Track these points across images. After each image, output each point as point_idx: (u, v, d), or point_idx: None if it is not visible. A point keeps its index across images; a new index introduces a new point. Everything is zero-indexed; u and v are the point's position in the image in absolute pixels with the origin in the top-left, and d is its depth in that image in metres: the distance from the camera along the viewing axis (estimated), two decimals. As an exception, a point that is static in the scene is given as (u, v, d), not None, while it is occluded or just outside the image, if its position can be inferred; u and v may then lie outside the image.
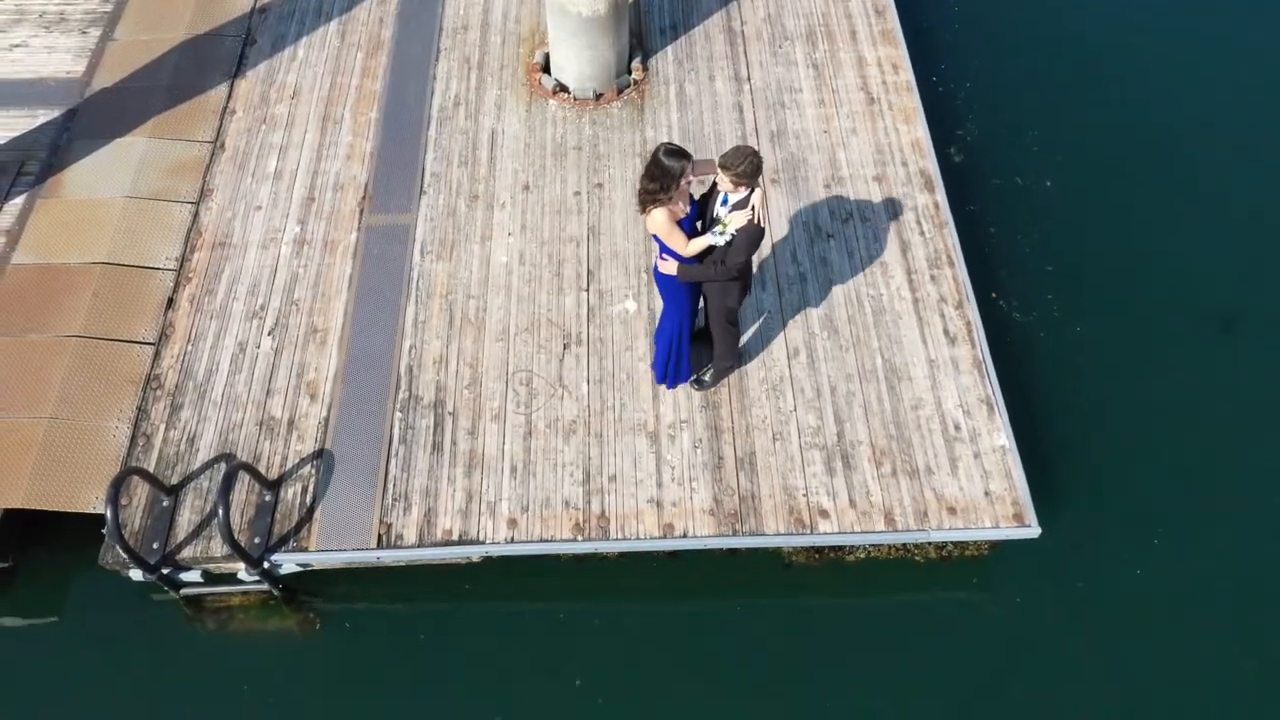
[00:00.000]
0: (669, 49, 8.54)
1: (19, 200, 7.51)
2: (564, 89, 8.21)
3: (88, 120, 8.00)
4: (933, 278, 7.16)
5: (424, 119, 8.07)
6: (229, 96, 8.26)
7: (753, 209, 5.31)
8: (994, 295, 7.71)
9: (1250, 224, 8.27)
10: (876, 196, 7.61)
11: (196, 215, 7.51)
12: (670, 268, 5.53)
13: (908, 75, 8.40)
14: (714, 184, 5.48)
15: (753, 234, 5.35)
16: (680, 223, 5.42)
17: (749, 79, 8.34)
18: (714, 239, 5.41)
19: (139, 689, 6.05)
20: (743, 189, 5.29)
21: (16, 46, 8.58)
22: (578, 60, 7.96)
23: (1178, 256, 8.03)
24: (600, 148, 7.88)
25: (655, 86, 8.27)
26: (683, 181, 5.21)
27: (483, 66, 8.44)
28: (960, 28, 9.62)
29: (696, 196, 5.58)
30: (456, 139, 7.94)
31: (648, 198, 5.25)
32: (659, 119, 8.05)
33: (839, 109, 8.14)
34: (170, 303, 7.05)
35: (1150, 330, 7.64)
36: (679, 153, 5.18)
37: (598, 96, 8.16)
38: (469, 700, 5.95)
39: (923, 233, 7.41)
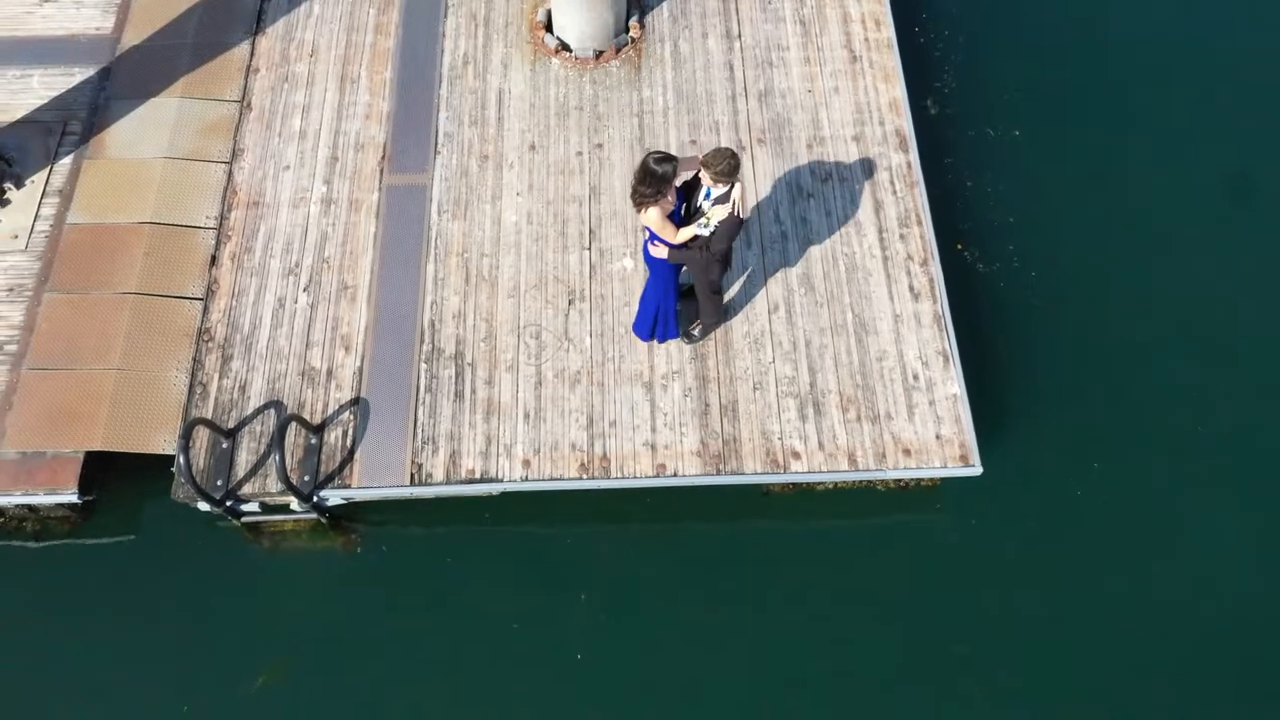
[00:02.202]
0: (664, 5, 9.03)
1: (67, 160, 8.18)
2: (566, 47, 8.75)
3: (122, 80, 8.57)
4: (902, 236, 7.92)
5: (435, 78, 8.66)
6: (251, 54, 8.80)
7: (733, 203, 6.05)
8: (958, 246, 8.46)
9: (1206, 178, 8.95)
10: (854, 156, 8.28)
11: (230, 175, 8.19)
12: (661, 252, 6.31)
13: (889, 32, 8.94)
14: (697, 176, 6.19)
15: (732, 225, 6.12)
16: (669, 215, 6.16)
17: (739, 36, 8.87)
18: (699, 229, 6.17)
19: (206, 602, 7.10)
20: (723, 185, 6.02)
21: (47, 1, 9.04)
22: (578, 21, 8.49)
23: (1126, 210, 8.75)
24: (600, 107, 8.50)
25: (651, 45, 8.82)
26: (671, 187, 5.93)
27: (489, 24, 8.96)
28: (943, -24, 10.05)
29: (679, 184, 6.27)
30: (466, 99, 8.55)
31: (643, 199, 5.98)
32: (655, 78, 8.64)
33: (823, 67, 8.72)
34: (213, 260, 7.81)
35: (1093, 277, 8.43)
36: (666, 158, 5.89)
37: (598, 55, 8.71)
38: (489, 612, 7.01)
39: (895, 192, 8.12)
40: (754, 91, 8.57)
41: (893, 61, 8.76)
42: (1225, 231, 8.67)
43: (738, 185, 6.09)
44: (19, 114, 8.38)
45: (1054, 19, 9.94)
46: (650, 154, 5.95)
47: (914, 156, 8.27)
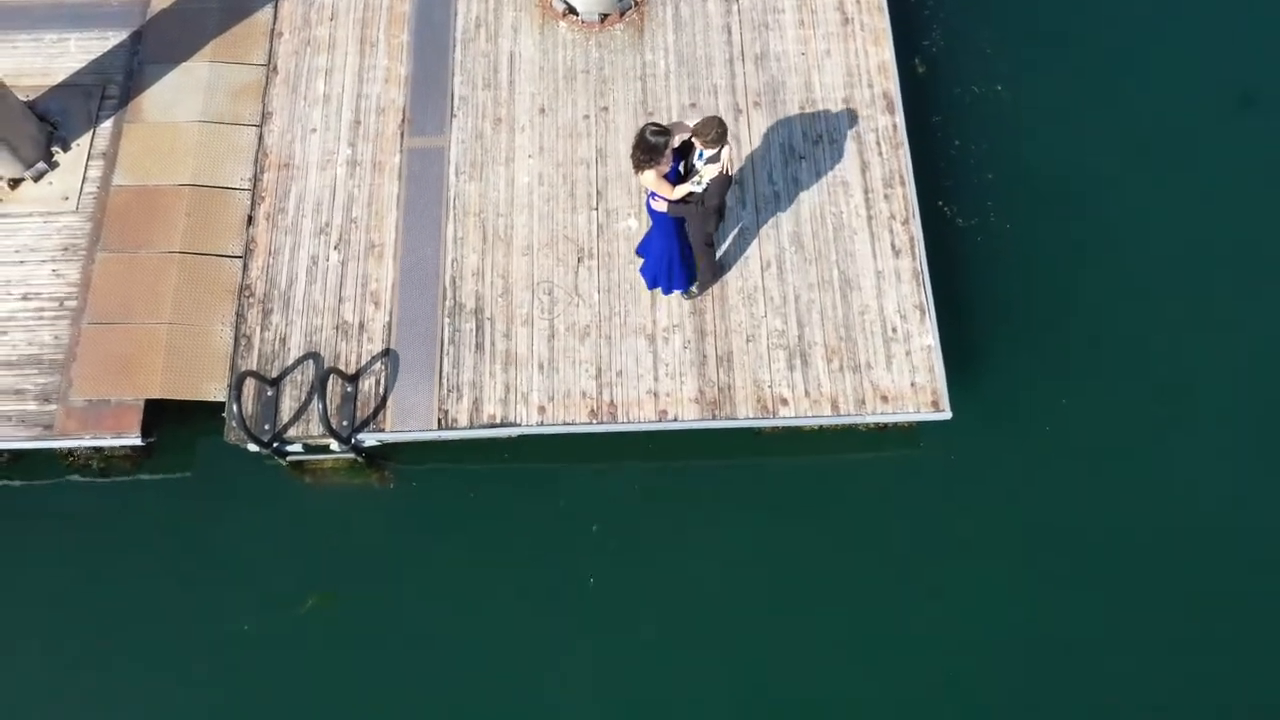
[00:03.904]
0: (666, -32, 9.47)
1: (108, 123, 8.75)
2: (573, 11, 9.23)
3: (153, 44, 9.07)
4: (886, 196, 8.55)
5: (449, 41, 9.16)
6: (275, 18, 9.27)
7: (723, 162, 6.73)
8: (940, 203, 9.09)
9: (1177, 134, 9.50)
10: (844, 119, 8.86)
11: (261, 138, 8.77)
12: (661, 205, 6.99)
13: (880, -7, 9.40)
14: (691, 140, 6.83)
15: (722, 182, 6.83)
16: (666, 175, 6.83)
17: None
18: (693, 186, 6.84)
19: (257, 532, 7.95)
20: (713, 148, 6.68)
21: (77, -35, 9.47)
22: (585, -12, 8.97)
23: (1096, 165, 9.33)
24: (605, 70, 9.03)
25: (654, 8, 9.29)
26: (667, 153, 6.60)
27: (499, -14, 9.42)
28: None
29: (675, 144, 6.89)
30: (479, 62, 9.07)
31: (640, 163, 6.65)
32: (656, 42, 9.15)
33: (816, 30, 9.21)
34: (250, 220, 8.46)
35: (1063, 230, 9.06)
36: (662, 131, 6.55)
37: (603, 18, 9.20)
38: (509, 540, 7.87)
39: (880, 154, 8.72)
40: (750, 55, 9.09)
41: (883, 24, 9.25)
42: (1188, 190, 9.27)
43: (727, 146, 6.76)
44: (59, 78, 8.92)
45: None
46: (648, 125, 6.62)
47: (900, 119, 8.84)
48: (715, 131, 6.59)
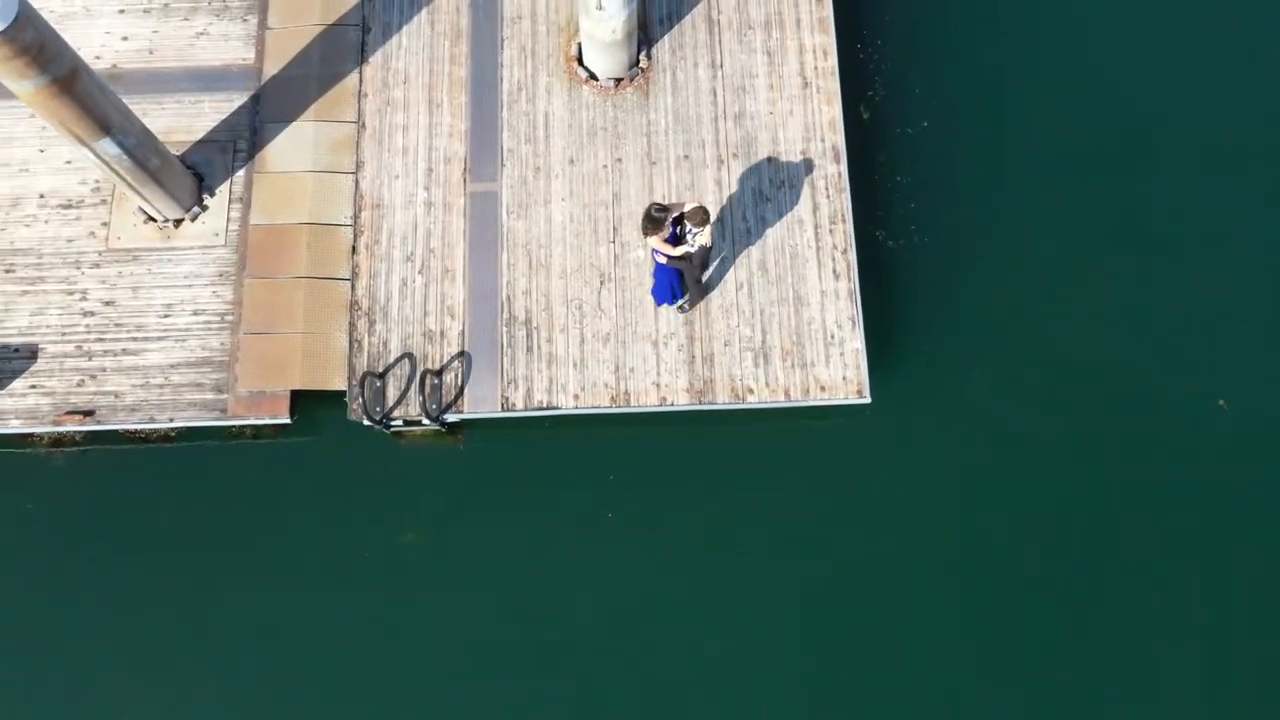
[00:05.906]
0: (665, 39, 12.07)
1: (241, 173, 11.50)
2: (594, 77, 11.88)
3: (269, 106, 11.74)
4: (830, 231, 11.40)
5: (498, 102, 11.84)
6: (360, 81, 11.91)
7: (706, 236, 9.57)
8: (875, 230, 11.93)
9: (1060, 155, 12.22)
10: (801, 167, 11.63)
11: (357, 183, 11.54)
12: (661, 259, 9.87)
13: (833, 61, 12.02)
14: (683, 215, 9.66)
15: (704, 251, 9.72)
16: (666, 238, 9.70)
17: (721, 66, 11.98)
18: (686, 249, 9.71)
19: (367, 482, 10.99)
20: (700, 228, 9.54)
21: (200, 35, 12.04)
22: (603, 63, 11.61)
23: (997, 184, 12.07)
24: (619, 128, 11.75)
25: (656, 74, 11.95)
26: (666, 224, 9.45)
27: (535, 55, 12.03)
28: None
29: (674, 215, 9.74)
30: (521, 120, 11.77)
31: (647, 231, 9.50)
32: (658, 103, 11.83)
33: (783, 92, 11.89)
34: (354, 250, 11.31)
35: (967, 241, 11.88)
36: (663, 209, 9.39)
37: (616, 82, 11.86)
38: (550, 487, 10.92)
39: (828, 196, 11.53)
40: (731, 114, 11.79)
41: (834, 87, 11.91)
42: (1085, 199, 11.92)
43: (708, 226, 9.61)
44: (200, 134, 11.61)
45: (967, 27, 12.88)
46: (652, 205, 9.46)
47: (844, 167, 11.60)
48: (700, 218, 9.44)
